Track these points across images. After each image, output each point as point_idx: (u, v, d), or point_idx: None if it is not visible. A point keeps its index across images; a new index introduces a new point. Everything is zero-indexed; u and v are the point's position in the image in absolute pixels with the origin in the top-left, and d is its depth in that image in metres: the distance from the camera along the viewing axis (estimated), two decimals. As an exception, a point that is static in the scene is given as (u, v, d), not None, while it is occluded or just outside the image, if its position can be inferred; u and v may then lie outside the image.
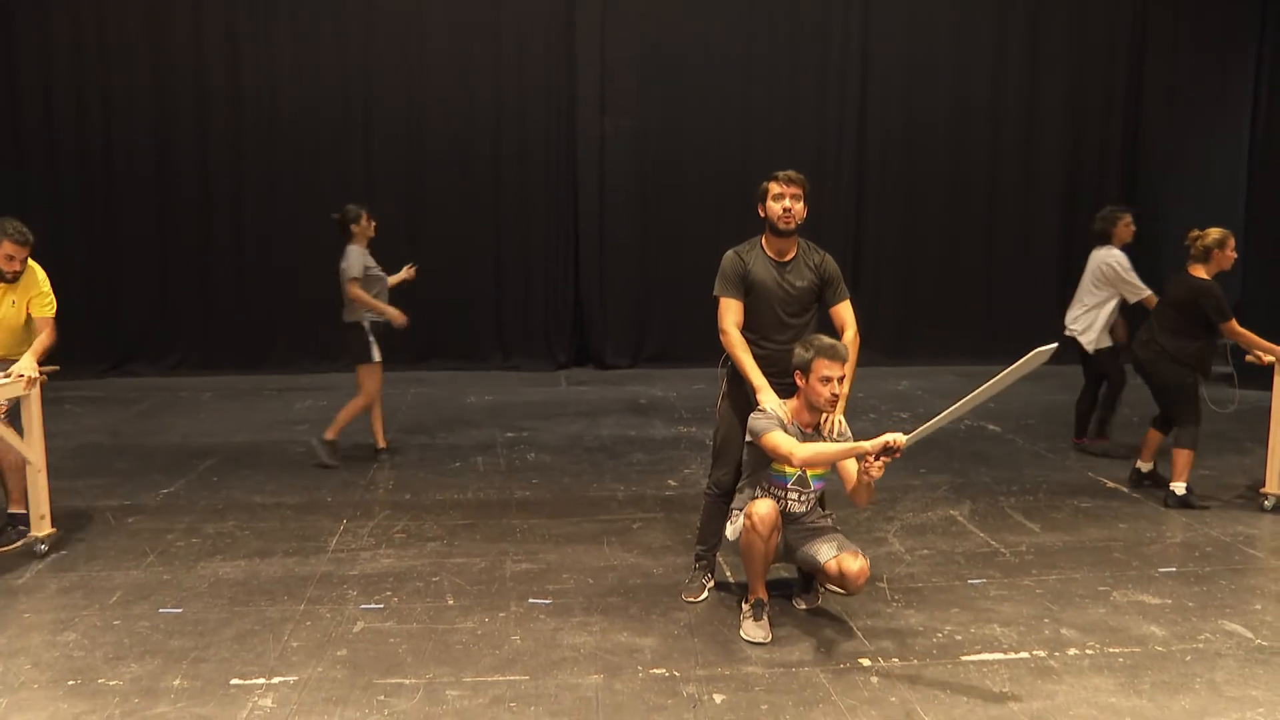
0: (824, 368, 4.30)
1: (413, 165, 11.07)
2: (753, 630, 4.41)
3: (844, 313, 4.84)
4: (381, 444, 7.48)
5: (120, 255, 10.72)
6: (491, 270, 11.30)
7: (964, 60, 11.64)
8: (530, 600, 4.82)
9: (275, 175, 10.85)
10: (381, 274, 7.30)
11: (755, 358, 4.66)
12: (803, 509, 4.56)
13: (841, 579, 4.35)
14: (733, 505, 4.68)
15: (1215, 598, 4.89)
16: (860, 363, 12.13)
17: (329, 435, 7.27)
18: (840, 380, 4.35)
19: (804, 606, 4.76)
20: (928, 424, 3.94)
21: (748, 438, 4.48)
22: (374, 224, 7.35)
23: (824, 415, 4.46)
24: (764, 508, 4.32)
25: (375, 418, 7.47)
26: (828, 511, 4.75)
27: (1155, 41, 11.89)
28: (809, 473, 4.46)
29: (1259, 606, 4.78)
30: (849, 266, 11.65)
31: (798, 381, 4.40)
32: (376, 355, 7.14)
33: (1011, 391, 10.17)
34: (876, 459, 4.01)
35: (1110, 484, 6.85)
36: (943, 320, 11.86)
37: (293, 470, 7.14)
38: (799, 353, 4.39)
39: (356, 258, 7.12)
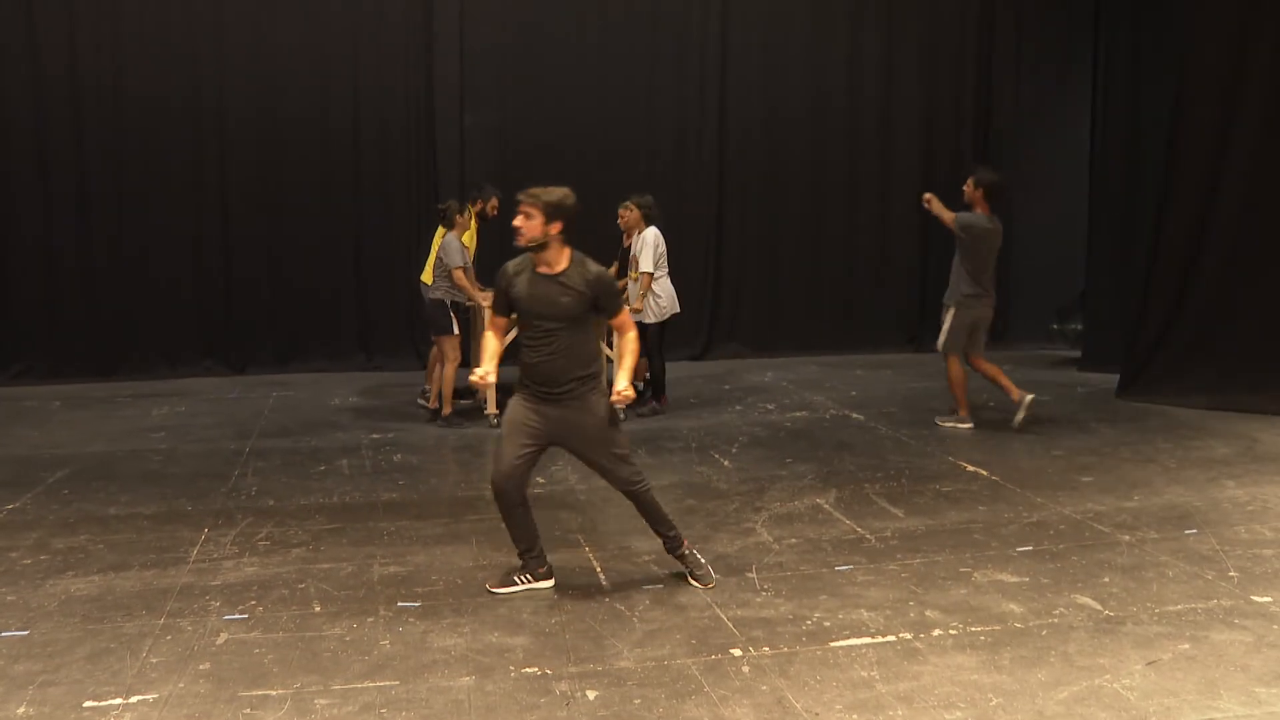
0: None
1: (267, 160, 10.69)
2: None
3: (622, 318, 4.92)
4: (434, 404, 8.65)
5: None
6: (352, 269, 11.04)
7: (820, 56, 11.83)
8: (399, 604, 4.74)
9: (121, 168, 10.32)
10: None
11: (525, 366, 4.78)
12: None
13: None
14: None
15: (1068, 574, 5.08)
16: (725, 354, 12.19)
17: (446, 411, 8.39)
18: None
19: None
20: None
21: None
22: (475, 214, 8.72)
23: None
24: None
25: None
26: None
27: (1000, 52, 12.36)
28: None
29: (1107, 579, 4.99)
30: (712, 258, 11.78)
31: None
32: (455, 328, 8.43)
33: (873, 381, 10.34)
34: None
35: (970, 468, 7.06)
36: (805, 311, 12.08)
37: (150, 480, 6.86)
38: None
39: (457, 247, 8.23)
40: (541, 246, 4.69)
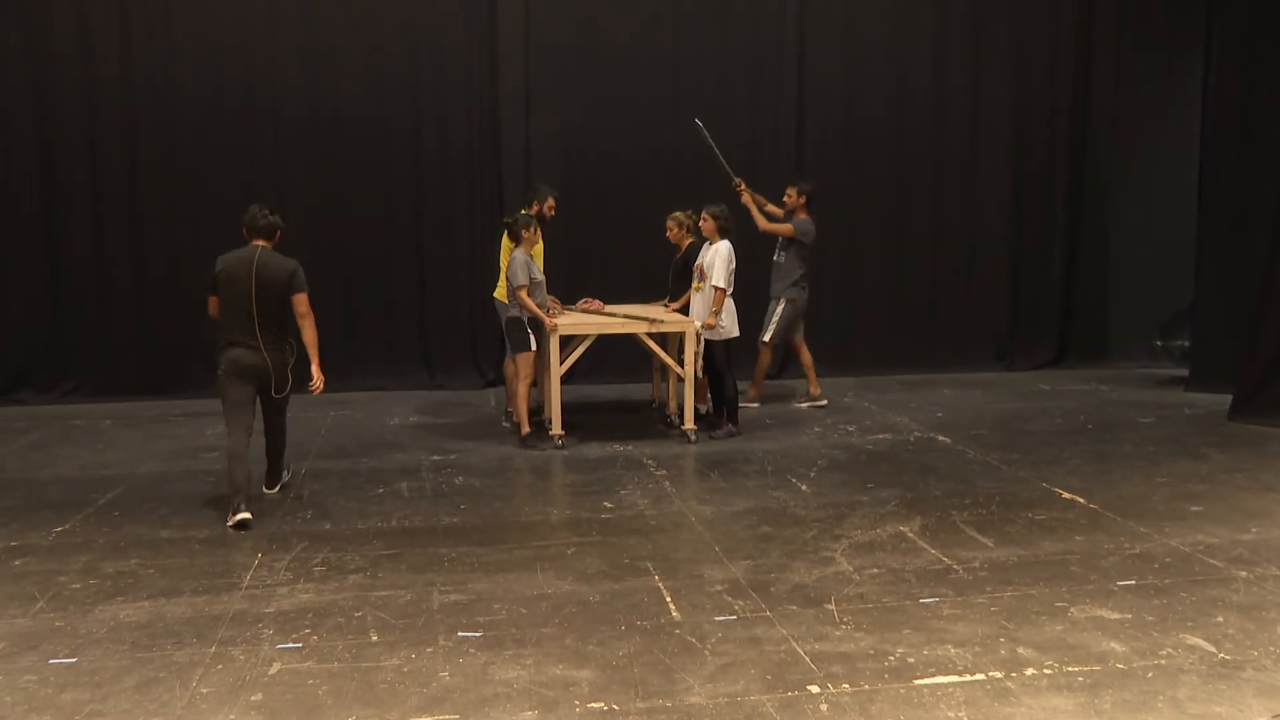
0: None
1: (323, 171, 10.83)
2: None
3: None
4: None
5: (1, 269, 10.37)
6: (413, 283, 11.16)
7: (902, 52, 11.71)
8: (459, 633, 4.76)
9: (174, 183, 10.53)
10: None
11: None
12: None
13: None
14: None
15: (1176, 611, 4.95)
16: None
17: (525, 430, 8.42)
18: None
19: None
20: None
21: None
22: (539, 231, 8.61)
23: None
24: None
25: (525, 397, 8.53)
26: None
27: (1099, 43, 12.12)
28: None
29: (1220, 619, 4.86)
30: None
31: None
32: (534, 344, 8.35)
33: (960, 401, 10.17)
34: None
35: (1066, 495, 6.93)
36: (887, 327, 11.95)
37: (203, 502, 6.99)
38: None
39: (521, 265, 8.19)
40: None
